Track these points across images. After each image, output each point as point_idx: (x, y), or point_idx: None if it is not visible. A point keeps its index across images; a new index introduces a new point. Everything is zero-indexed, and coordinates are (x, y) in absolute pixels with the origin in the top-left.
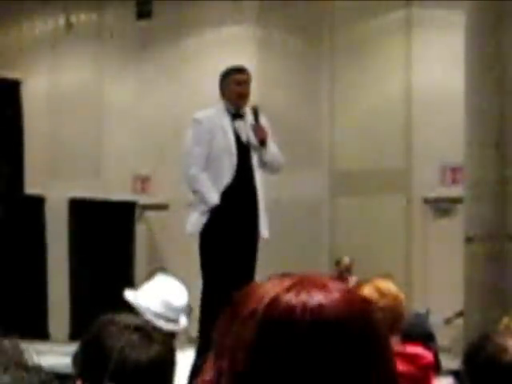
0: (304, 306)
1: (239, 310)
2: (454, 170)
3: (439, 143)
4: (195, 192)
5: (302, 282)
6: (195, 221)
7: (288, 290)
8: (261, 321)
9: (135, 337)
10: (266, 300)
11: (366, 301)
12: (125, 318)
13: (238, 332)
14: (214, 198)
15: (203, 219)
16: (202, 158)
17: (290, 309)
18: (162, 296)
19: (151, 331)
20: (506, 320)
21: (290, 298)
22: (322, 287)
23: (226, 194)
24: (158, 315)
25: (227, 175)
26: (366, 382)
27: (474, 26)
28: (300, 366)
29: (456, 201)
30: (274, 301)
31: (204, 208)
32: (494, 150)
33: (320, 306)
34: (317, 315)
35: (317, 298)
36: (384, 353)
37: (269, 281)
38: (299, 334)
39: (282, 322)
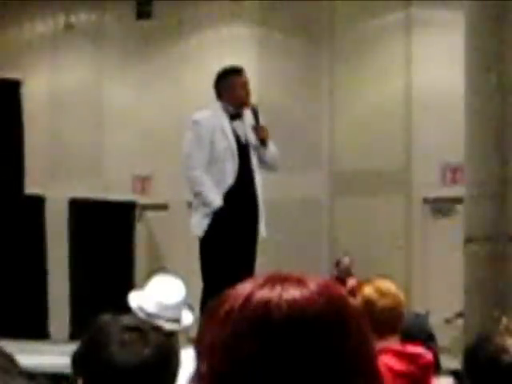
0: (279, 299)
1: (215, 313)
2: (454, 169)
3: (439, 143)
4: (197, 194)
5: (276, 278)
6: (198, 223)
7: (262, 286)
8: (236, 318)
9: (127, 337)
10: (241, 298)
11: (343, 295)
12: (124, 319)
13: (215, 333)
14: (217, 200)
15: (206, 221)
16: (203, 159)
17: (265, 303)
18: (156, 296)
19: (148, 332)
20: (505, 320)
21: (265, 292)
22: (298, 282)
23: (228, 196)
24: (152, 315)
25: (230, 176)
26: (345, 375)
27: (473, 26)
28: (277, 360)
29: (456, 201)
30: (249, 297)
31: (206, 210)
32: (494, 150)
33: (295, 299)
34: (292, 307)
35: (292, 291)
36: (362, 346)
37: (242, 283)
38: (275, 326)
39: (257, 316)
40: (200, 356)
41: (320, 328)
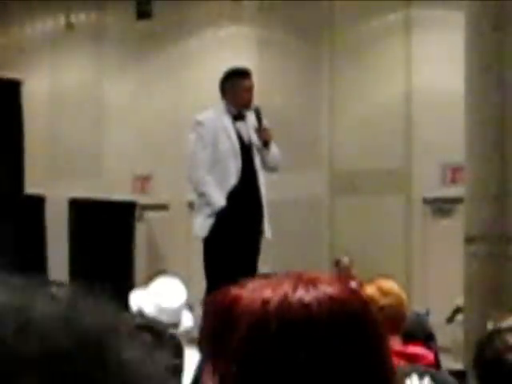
0: (318, 300)
1: (235, 314)
2: (454, 169)
3: (439, 143)
4: (201, 195)
5: (304, 279)
6: (202, 224)
7: (295, 288)
8: (276, 322)
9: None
10: (275, 301)
11: (361, 292)
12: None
13: (247, 335)
14: (221, 200)
15: (210, 222)
16: (206, 160)
17: (305, 305)
18: (157, 299)
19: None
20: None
21: (301, 294)
22: (326, 282)
23: (232, 196)
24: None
25: (233, 177)
26: (378, 368)
27: (473, 26)
28: (321, 358)
29: (456, 201)
30: (285, 300)
31: (210, 211)
32: (494, 150)
33: (333, 298)
34: (332, 306)
35: (327, 291)
36: (386, 339)
37: (254, 282)
38: (318, 326)
39: (300, 318)
40: (222, 356)
41: (358, 324)
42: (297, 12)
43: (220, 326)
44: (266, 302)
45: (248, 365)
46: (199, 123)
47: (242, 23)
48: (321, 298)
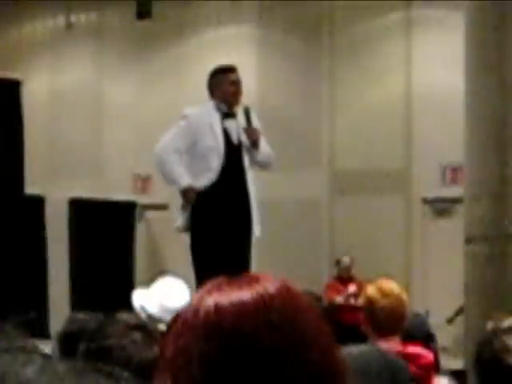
0: (221, 304)
1: (172, 327)
2: (454, 170)
3: (439, 143)
4: (165, 174)
5: (224, 283)
6: (178, 217)
7: (210, 292)
8: (191, 326)
9: (138, 336)
10: (192, 306)
11: (292, 296)
12: (126, 318)
13: (174, 345)
14: (185, 179)
15: (184, 214)
16: (179, 148)
17: (214, 307)
18: (159, 298)
19: (153, 331)
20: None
21: (215, 297)
22: (242, 286)
23: (214, 193)
24: (153, 316)
25: (211, 173)
26: (291, 373)
27: (474, 26)
28: (230, 360)
29: (456, 201)
30: (199, 304)
31: (183, 201)
32: (494, 150)
33: (216, 308)
34: (238, 310)
35: (239, 295)
36: (309, 348)
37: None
38: (226, 329)
39: (209, 321)
40: (162, 369)
41: (265, 329)
42: (297, 12)
43: (163, 342)
44: (186, 310)
45: (176, 372)
46: (184, 116)
47: (242, 23)
48: (227, 302)
